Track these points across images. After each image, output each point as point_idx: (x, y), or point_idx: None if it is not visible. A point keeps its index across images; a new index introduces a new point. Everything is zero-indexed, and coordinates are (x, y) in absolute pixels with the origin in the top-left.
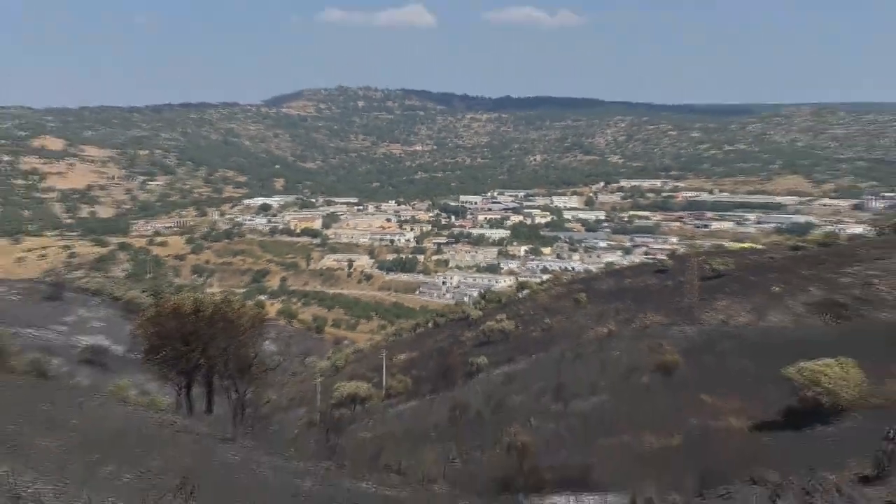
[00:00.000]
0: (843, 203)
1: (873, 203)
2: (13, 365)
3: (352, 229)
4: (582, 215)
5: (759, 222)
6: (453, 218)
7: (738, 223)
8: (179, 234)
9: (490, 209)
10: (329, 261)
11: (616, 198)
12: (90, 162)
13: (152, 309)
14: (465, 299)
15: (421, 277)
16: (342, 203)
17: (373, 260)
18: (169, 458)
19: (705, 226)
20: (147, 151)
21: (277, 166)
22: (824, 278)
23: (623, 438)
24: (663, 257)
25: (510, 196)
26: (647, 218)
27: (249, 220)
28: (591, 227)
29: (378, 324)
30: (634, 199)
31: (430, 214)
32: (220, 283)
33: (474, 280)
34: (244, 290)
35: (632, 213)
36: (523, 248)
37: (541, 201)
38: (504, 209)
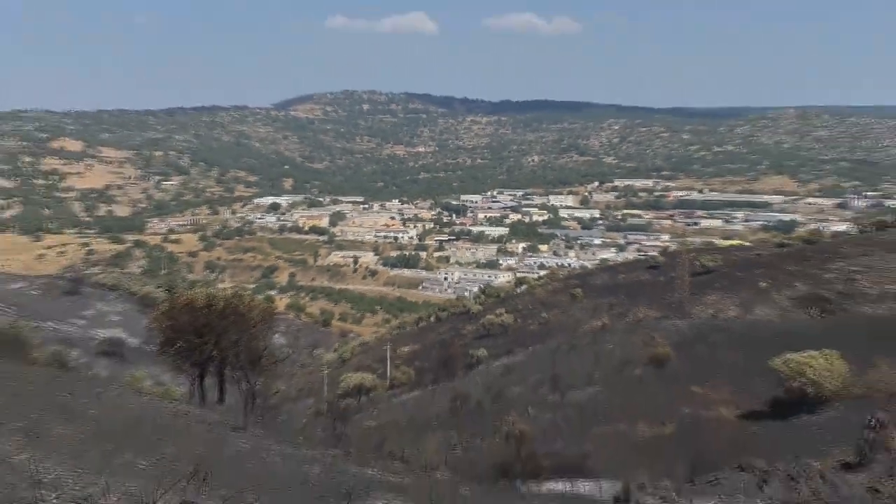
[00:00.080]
0: (827, 202)
1: (856, 202)
2: (34, 357)
3: (357, 227)
4: (577, 214)
5: (746, 220)
6: (454, 216)
7: (727, 221)
8: (193, 232)
9: (490, 208)
10: (336, 257)
11: (610, 197)
12: (107, 163)
13: (167, 303)
14: (466, 294)
15: (423, 273)
16: (348, 202)
17: (377, 256)
18: (182, 446)
19: (695, 224)
20: (162, 153)
21: (286, 167)
22: (809, 274)
23: (617, 427)
24: (655, 254)
25: (509, 195)
26: (639, 216)
27: (260, 218)
28: (586, 224)
29: (382, 317)
30: (628, 198)
31: (433, 213)
32: (232, 279)
33: (474, 276)
34: (254, 286)
35: (625, 211)
36: (521, 246)
37: (538, 200)
38: (503, 208)
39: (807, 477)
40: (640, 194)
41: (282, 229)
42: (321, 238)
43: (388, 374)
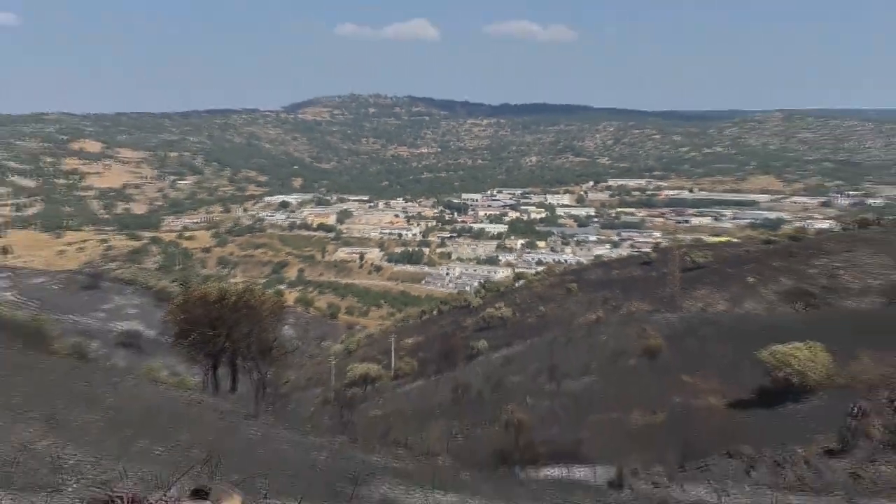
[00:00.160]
0: (812, 200)
1: (839, 200)
2: (55, 348)
3: (363, 224)
4: (573, 212)
5: (734, 218)
6: (456, 214)
7: (716, 219)
8: (206, 229)
9: (490, 206)
10: (342, 253)
11: (604, 196)
12: (125, 163)
13: (181, 297)
14: (467, 289)
15: (426, 269)
16: (355, 200)
17: (382, 252)
18: (196, 433)
19: (686, 221)
20: (177, 153)
21: (295, 167)
22: (794, 269)
23: (611, 416)
24: (648, 250)
25: (508, 194)
26: (632, 214)
27: (270, 216)
28: (581, 222)
29: (387, 311)
30: (621, 197)
31: (435, 211)
32: (243, 274)
33: (475, 271)
34: (265, 280)
35: (619, 209)
36: (520, 242)
37: (536, 199)
38: (502, 206)
39: (792, 463)
40: (634, 193)
41: (291, 226)
42: (329, 235)
43: (393, 364)
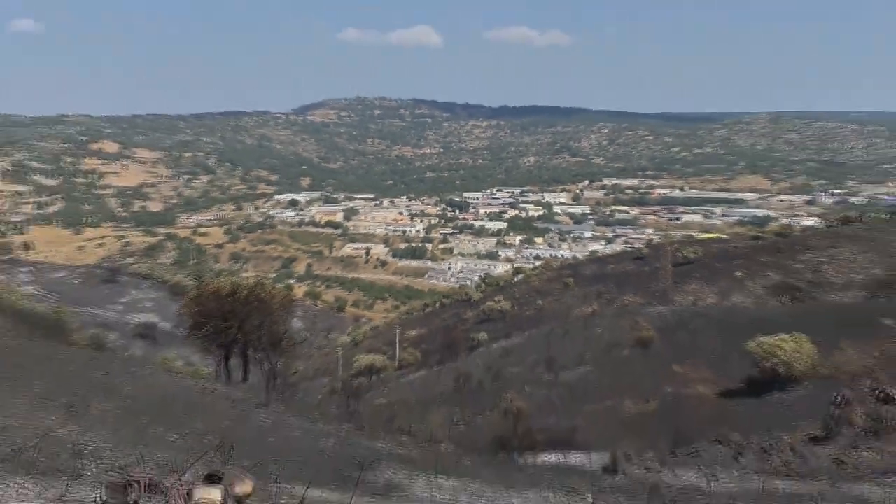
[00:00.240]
0: (797, 199)
1: (823, 199)
2: (75, 339)
3: (369, 221)
4: (570, 209)
5: (723, 215)
6: (457, 212)
7: (706, 216)
8: (219, 226)
9: (490, 204)
10: (349, 249)
11: (599, 194)
12: (141, 163)
13: (195, 291)
14: (468, 283)
15: (429, 264)
16: (361, 198)
17: (387, 248)
18: (210, 420)
19: (677, 219)
20: (191, 154)
21: (304, 166)
22: (781, 264)
23: (605, 404)
24: (641, 246)
25: (507, 193)
26: (626, 212)
27: (280, 213)
28: (577, 219)
29: (392, 304)
30: (615, 195)
31: (437, 208)
32: (255, 269)
33: (476, 266)
34: (275, 275)
35: (613, 207)
36: (518, 238)
37: (534, 197)
38: (502, 204)
39: (778, 449)
40: (627, 192)
41: (300, 223)
42: (336, 231)
43: (397, 355)
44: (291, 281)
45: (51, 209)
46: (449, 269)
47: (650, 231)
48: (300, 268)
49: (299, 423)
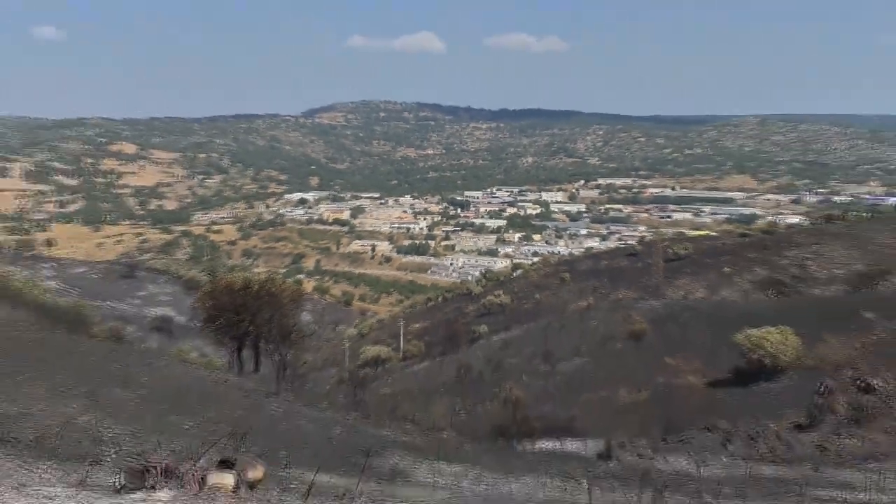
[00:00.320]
0: (783, 198)
1: (808, 198)
2: (95, 332)
3: (374, 219)
4: (566, 208)
5: (713, 214)
6: (459, 210)
7: (696, 214)
8: (232, 224)
9: (490, 203)
10: (356, 246)
11: (594, 193)
12: (158, 163)
13: (209, 286)
14: (469, 278)
15: (432, 260)
16: (367, 197)
17: (392, 245)
18: (223, 409)
19: (668, 217)
20: (205, 155)
21: (313, 167)
22: (767, 260)
23: (600, 394)
24: (634, 243)
25: (506, 192)
26: (620, 210)
27: (289, 211)
28: (573, 217)
29: (396, 298)
30: (610, 194)
31: (440, 207)
32: (266, 265)
33: (476, 262)
34: (285, 270)
35: (607, 206)
36: (517, 236)
37: (532, 196)
38: (501, 203)
39: (764, 436)
40: (621, 191)
41: (309, 221)
42: (343, 229)
43: (402, 347)
44: (301, 276)
45: (72, 207)
46: (451, 264)
47: (643, 228)
48: (309, 263)
49: (308, 412)
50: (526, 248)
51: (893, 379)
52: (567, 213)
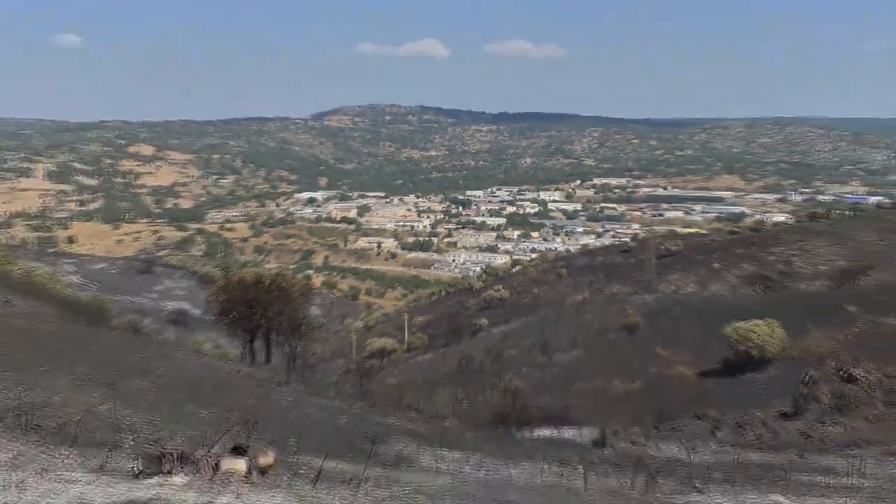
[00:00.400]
0: (770, 197)
1: (793, 197)
2: (114, 324)
3: (380, 217)
4: (563, 206)
5: (703, 212)
6: (461, 208)
7: (687, 213)
8: (244, 222)
9: (490, 202)
10: (362, 242)
11: (590, 193)
12: (174, 164)
13: (223, 280)
14: (470, 273)
15: (435, 256)
16: (373, 197)
17: (397, 242)
18: (236, 398)
19: (661, 215)
20: (218, 156)
21: (321, 167)
22: (755, 257)
23: (595, 384)
24: (627, 240)
25: (506, 191)
26: (614, 209)
27: (299, 210)
28: (570, 215)
29: (401, 292)
30: (605, 193)
31: (443, 206)
32: (276, 261)
33: (477, 258)
34: (295, 266)
35: (602, 204)
36: (516, 233)
37: (530, 195)
38: (501, 202)
39: (752, 424)
40: (615, 190)
41: (318, 219)
42: (350, 227)
43: (406, 339)
44: (310, 271)
45: (92, 206)
46: (453, 260)
47: (636, 226)
48: (318, 260)
49: (317, 401)
50: (524, 244)
51: (874, 369)
52: (564, 212)
